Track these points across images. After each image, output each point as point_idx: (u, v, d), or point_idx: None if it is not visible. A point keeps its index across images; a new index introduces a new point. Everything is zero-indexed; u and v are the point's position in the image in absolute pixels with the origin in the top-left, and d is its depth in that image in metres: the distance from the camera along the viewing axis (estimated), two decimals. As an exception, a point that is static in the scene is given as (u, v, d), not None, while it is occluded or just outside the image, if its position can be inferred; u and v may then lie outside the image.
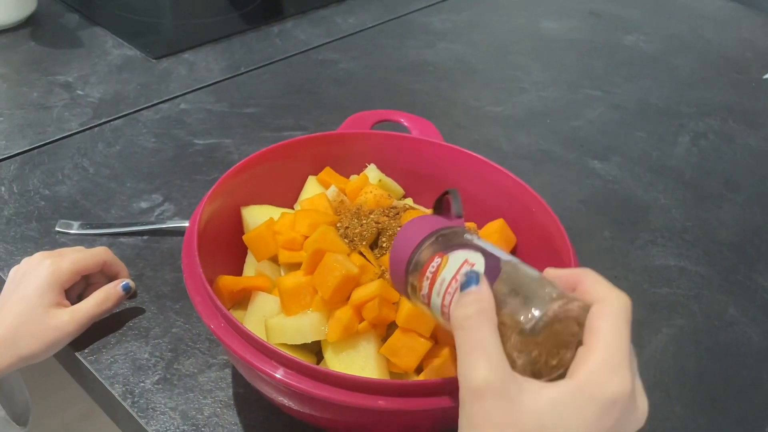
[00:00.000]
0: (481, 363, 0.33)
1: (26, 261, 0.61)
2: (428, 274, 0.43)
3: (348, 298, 0.52)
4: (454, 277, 0.41)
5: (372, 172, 0.67)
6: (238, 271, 0.62)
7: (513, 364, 0.36)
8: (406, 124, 0.73)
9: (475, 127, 0.99)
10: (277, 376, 0.46)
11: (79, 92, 0.95)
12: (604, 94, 1.10)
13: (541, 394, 0.34)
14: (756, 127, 1.06)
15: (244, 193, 0.64)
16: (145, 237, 0.74)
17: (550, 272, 0.40)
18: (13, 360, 0.56)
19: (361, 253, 0.55)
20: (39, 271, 0.59)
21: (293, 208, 0.66)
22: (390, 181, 0.68)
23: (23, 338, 0.56)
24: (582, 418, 0.33)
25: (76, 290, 0.63)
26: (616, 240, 0.82)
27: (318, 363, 0.54)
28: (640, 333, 0.71)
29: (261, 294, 0.56)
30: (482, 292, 0.36)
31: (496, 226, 0.64)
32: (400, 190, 0.69)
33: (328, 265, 0.52)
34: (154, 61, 1.04)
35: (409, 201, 0.69)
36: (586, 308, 0.37)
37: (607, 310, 0.36)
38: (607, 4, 1.38)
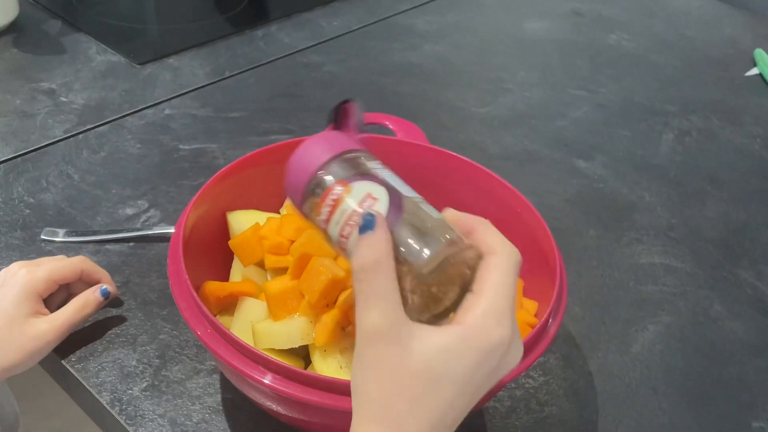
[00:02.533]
0: (375, 310, 0.35)
1: (4, 271, 0.61)
2: (329, 201, 0.42)
3: (335, 302, 0.52)
4: (354, 211, 0.40)
5: (358, 175, 0.67)
6: (225, 277, 0.62)
7: (407, 303, 0.37)
8: (391, 126, 0.73)
9: (461, 128, 1.00)
10: (266, 381, 0.47)
11: (63, 99, 0.95)
12: (588, 93, 1.10)
13: (430, 340, 0.36)
14: (739, 124, 1.07)
15: (229, 198, 0.64)
16: (131, 244, 0.74)
17: (449, 214, 0.41)
18: None
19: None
20: (14, 281, 0.59)
21: (279, 213, 0.66)
22: (376, 184, 0.68)
23: (3, 350, 0.56)
24: (465, 363, 0.36)
25: (57, 300, 0.62)
26: (602, 239, 0.83)
27: (306, 367, 0.54)
28: (627, 331, 0.71)
29: (248, 299, 0.56)
30: (380, 238, 0.37)
31: (482, 227, 0.64)
32: (386, 193, 0.70)
33: (314, 269, 0.52)
34: (138, 66, 1.04)
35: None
36: (478, 256, 0.39)
37: (497, 261, 0.37)
38: (590, 4, 1.39)
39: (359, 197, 0.41)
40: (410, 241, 0.38)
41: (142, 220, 0.77)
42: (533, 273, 0.62)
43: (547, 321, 0.52)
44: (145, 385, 0.61)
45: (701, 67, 1.21)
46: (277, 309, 0.53)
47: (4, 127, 0.89)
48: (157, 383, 0.61)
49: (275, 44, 1.14)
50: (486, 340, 0.36)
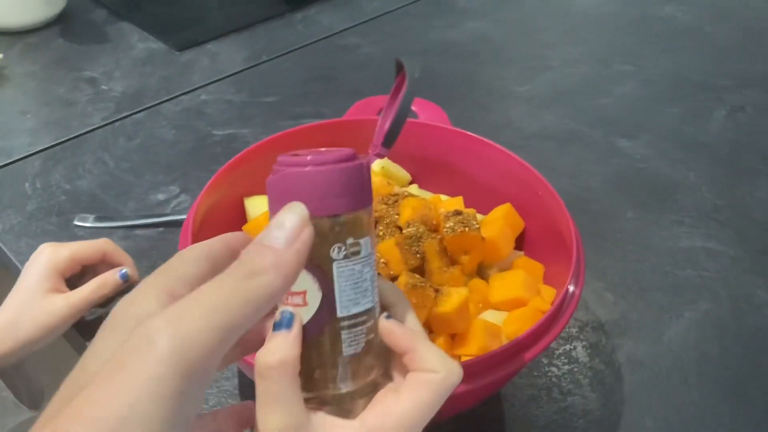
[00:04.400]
0: (279, 413, 0.33)
1: (33, 253, 0.63)
2: None
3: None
4: (286, 297, 0.34)
5: (379, 160, 0.66)
6: (242, 262, 0.63)
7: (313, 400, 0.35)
8: (414, 108, 0.72)
9: (498, 107, 0.97)
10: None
11: (103, 87, 0.97)
12: (635, 68, 1.06)
13: None
14: (800, 97, 1.00)
15: (247, 183, 0.64)
16: (160, 229, 0.75)
17: (385, 327, 0.36)
18: (14, 345, 0.58)
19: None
20: (39, 258, 0.61)
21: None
22: (395, 168, 0.67)
23: (22, 323, 0.58)
24: None
25: (81, 283, 0.64)
26: (641, 221, 0.79)
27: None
28: (661, 318, 0.68)
29: (258, 285, 0.56)
30: (293, 339, 0.34)
31: (503, 211, 0.63)
32: (407, 176, 0.68)
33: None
34: (177, 53, 1.05)
35: (414, 187, 0.68)
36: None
37: (435, 378, 0.34)
38: (644, -26, 1.33)
39: (294, 288, 0.33)
40: (321, 360, 0.35)
41: (172, 206, 0.78)
42: (553, 258, 0.60)
43: (559, 306, 0.50)
44: (165, 368, 0.62)
45: (762, 39, 1.14)
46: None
47: (47, 115, 0.92)
48: (177, 366, 0.62)
49: (314, 26, 1.13)
50: None
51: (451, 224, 0.56)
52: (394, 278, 0.53)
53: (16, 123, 0.90)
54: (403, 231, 0.55)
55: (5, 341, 0.58)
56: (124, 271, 0.64)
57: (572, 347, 0.66)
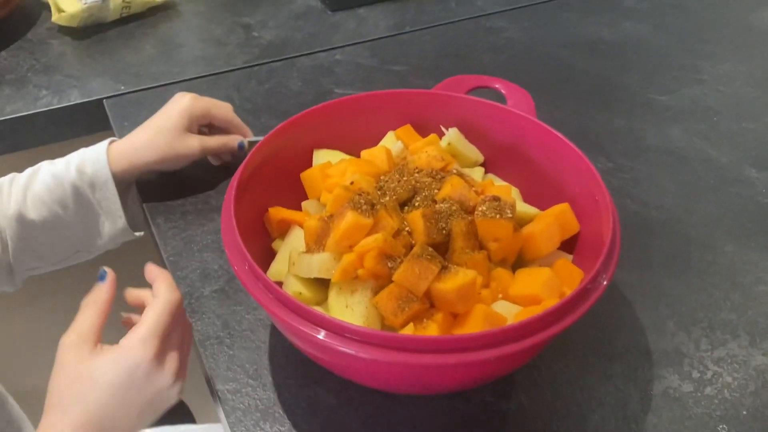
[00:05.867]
0: (75, 329, 0.50)
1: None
2: None
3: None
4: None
5: (448, 136, 0.67)
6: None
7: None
8: (503, 91, 0.71)
9: (626, 112, 0.92)
10: (275, 310, 0.49)
11: (254, 34, 1.05)
12: (799, 97, 0.95)
13: (99, 354, 0.49)
14: None
15: (321, 135, 0.67)
16: (256, 167, 0.81)
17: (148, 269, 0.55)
18: (150, 159, 0.71)
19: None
20: (181, 101, 0.73)
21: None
22: (468, 148, 0.68)
23: (158, 145, 0.71)
24: (116, 372, 0.49)
25: None
26: (738, 256, 0.72)
27: (329, 302, 0.57)
28: (722, 362, 0.62)
29: (296, 228, 0.60)
30: (105, 288, 0.52)
31: (558, 210, 0.61)
32: (477, 157, 0.68)
33: (342, 210, 0.54)
34: (330, 13, 1.11)
35: (479, 170, 0.67)
36: None
37: (154, 303, 0.52)
38: None
39: None
40: None
41: (274, 149, 0.84)
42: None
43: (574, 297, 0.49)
44: (216, 287, 0.68)
45: None
46: (310, 242, 0.56)
47: (199, 51, 1.01)
48: (226, 289, 0.68)
49: (466, 5, 1.14)
50: (130, 357, 0.49)
51: (484, 208, 0.55)
52: (410, 247, 0.54)
53: (172, 53, 1.00)
54: (436, 206, 0.56)
55: (143, 155, 0.71)
56: (242, 141, 0.76)
57: (608, 370, 0.62)
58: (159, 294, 0.52)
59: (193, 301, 0.67)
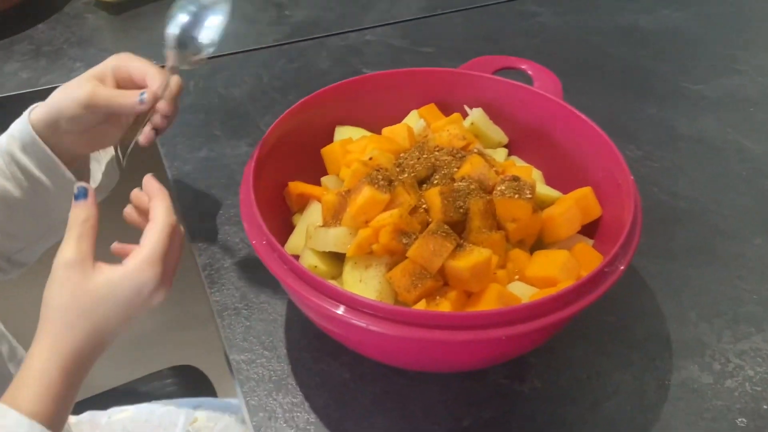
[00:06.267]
0: (72, 247, 0.51)
1: None
2: None
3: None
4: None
5: (471, 116, 0.66)
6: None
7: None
8: (530, 72, 0.70)
9: (660, 101, 0.90)
10: (289, 282, 0.50)
11: (286, 12, 1.06)
12: (841, 89, 0.92)
13: (103, 273, 0.51)
14: None
15: (344, 111, 0.67)
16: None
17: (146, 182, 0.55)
18: (52, 103, 0.61)
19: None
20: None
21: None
22: (491, 128, 0.67)
23: (61, 89, 0.61)
24: (123, 291, 0.51)
25: None
26: (766, 248, 0.71)
27: (344, 277, 0.57)
28: (744, 354, 0.61)
29: (315, 203, 0.60)
30: (85, 206, 0.52)
31: (580, 193, 0.60)
32: (502, 139, 0.68)
33: (359, 185, 0.54)
34: (363, -7, 1.11)
35: (502, 151, 0.67)
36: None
37: (154, 226, 0.53)
38: None
39: None
40: None
41: (300, 127, 0.85)
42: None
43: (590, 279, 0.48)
44: (237, 260, 0.69)
45: None
46: (327, 216, 0.57)
47: (230, 28, 1.01)
48: (246, 262, 0.69)
49: (500, -11, 1.12)
50: (137, 277, 0.51)
51: (503, 188, 0.55)
52: (426, 224, 0.54)
53: (204, 30, 1.01)
54: (454, 184, 0.56)
55: (49, 101, 0.61)
56: (144, 95, 0.59)
57: (629, 359, 0.61)
58: (157, 217, 0.53)
59: (213, 272, 0.67)
